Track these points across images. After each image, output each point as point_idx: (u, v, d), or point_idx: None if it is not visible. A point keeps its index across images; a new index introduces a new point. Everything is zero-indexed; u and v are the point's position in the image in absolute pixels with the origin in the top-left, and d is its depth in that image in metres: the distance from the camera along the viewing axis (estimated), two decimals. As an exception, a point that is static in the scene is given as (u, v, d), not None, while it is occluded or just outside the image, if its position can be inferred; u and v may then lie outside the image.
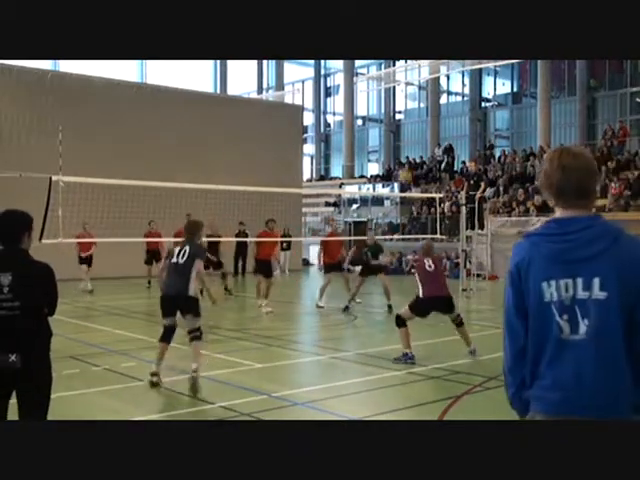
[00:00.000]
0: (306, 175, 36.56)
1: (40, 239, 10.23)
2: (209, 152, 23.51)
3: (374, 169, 38.05)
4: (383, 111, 38.63)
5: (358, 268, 14.46)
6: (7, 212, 4.08)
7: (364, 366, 8.69)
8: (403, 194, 28.62)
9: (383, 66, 35.52)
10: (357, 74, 37.69)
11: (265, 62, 41.31)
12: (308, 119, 38.86)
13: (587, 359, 2.34)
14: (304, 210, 28.30)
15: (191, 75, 36.85)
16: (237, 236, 19.07)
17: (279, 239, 17.06)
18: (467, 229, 17.95)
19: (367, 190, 33.27)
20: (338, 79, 39.77)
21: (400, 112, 38.67)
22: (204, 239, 15.00)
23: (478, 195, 17.79)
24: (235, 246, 20.59)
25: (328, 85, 41.48)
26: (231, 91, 39.40)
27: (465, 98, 35.32)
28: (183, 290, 7.26)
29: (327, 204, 32.87)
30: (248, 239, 17.94)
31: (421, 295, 8.79)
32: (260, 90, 41.28)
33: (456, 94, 36.65)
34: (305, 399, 6.92)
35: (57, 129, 12.29)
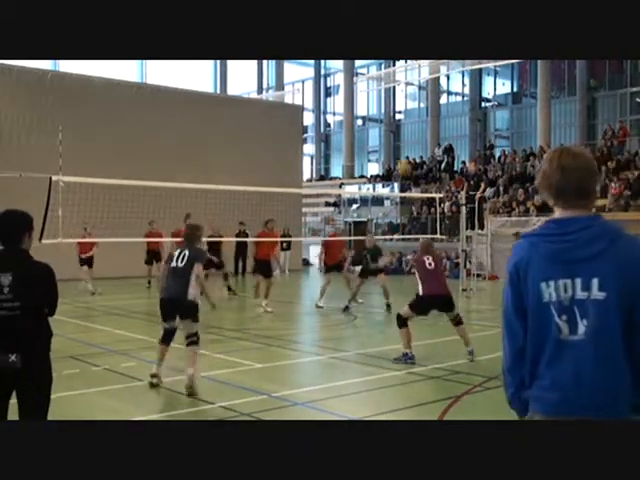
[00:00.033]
0: (306, 175, 36.56)
1: (40, 239, 10.23)
2: (209, 152, 23.51)
3: (374, 169, 38.06)
4: (383, 111, 38.64)
5: (358, 268, 14.47)
6: (7, 212, 4.08)
7: (364, 366, 8.69)
8: (403, 194, 28.63)
9: (383, 66, 35.52)
10: (357, 74, 37.69)
11: (265, 62, 41.31)
12: (308, 119, 38.87)
13: (586, 359, 2.34)
14: (304, 210, 28.30)
15: (191, 75, 36.88)
16: (237, 236, 19.06)
17: (279, 239, 17.06)
18: (467, 229, 17.96)
19: (367, 190, 33.27)
20: (338, 79, 39.77)
21: (400, 112, 38.68)
22: (206, 239, 15.05)
23: (478, 195, 17.79)
24: (235, 246, 20.59)
25: (328, 85, 41.48)
26: (231, 91, 39.41)
27: (465, 98, 35.32)
28: (182, 294, 7.19)
29: (327, 204, 32.88)
30: (248, 239, 17.94)
31: (421, 293, 8.78)
32: (260, 90, 41.28)
33: (456, 94, 36.66)
34: (305, 399, 6.92)
35: (57, 129, 12.29)
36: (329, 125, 41.99)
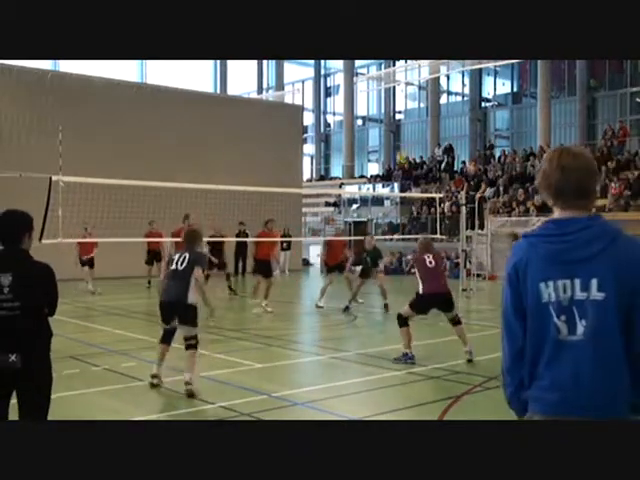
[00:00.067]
0: (306, 175, 36.56)
1: (40, 239, 10.23)
2: (209, 152, 23.51)
3: (374, 169, 38.06)
4: (383, 111, 38.64)
5: (359, 268, 14.48)
6: (7, 212, 4.08)
7: (364, 366, 8.70)
8: (403, 194, 28.64)
9: (383, 66, 35.53)
10: (357, 74, 37.70)
11: (265, 62, 41.31)
12: (308, 119, 38.87)
13: (585, 360, 2.34)
14: (304, 210, 28.30)
15: (191, 75, 36.88)
16: (237, 236, 19.07)
17: (278, 239, 17.06)
18: (467, 229, 17.97)
19: (367, 190, 33.27)
20: (338, 79, 39.77)
21: (400, 112, 38.69)
22: (208, 239, 15.06)
23: (478, 195, 17.80)
24: (235, 246, 20.60)
25: (328, 85, 41.49)
26: (231, 91, 39.41)
27: (465, 98, 35.33)
28: (182, 297, 7.15)
29: (327, 204, 32.88)
30: (248, 239, 17.95)
31: (421, 291, 8.77)
32: (260, 90, 41.29)
33: (456, 94, 36.66)
34: (305, 399, 6.92)
35: (57, 129, 12.29)
36: (329, 125, 41.99)
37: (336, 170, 39.77)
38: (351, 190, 34.13)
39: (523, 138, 31.77)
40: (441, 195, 23.12)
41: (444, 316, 9.10)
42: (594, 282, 2.33)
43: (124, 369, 8.25)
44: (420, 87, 36.91)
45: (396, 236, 25.67)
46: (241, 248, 20.66)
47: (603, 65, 29.01)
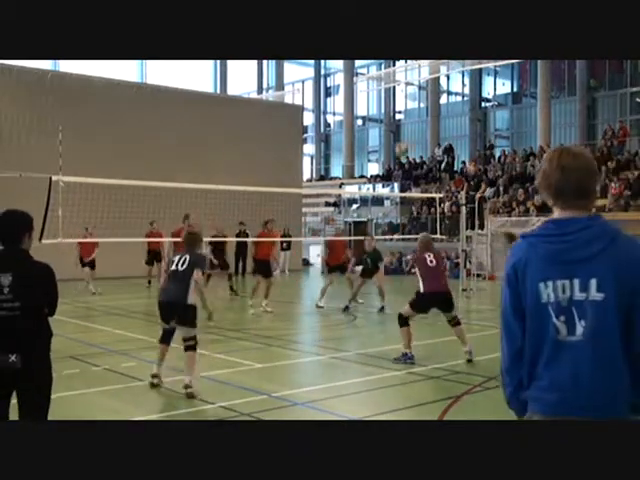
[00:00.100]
0: (306, 175, 36.56)
1: (40, 239, 10.23)
2: (209, 152, 23.51)
3: (374, 169, 38.06)
4: (383, 111, 38.65)
5: (359, 268, 14.48)
6: (7, 212, 4.08)
7: (364, 366, 8.69)
8: (403, 194, 28.64)
9: (383, 66, 35.53)
10: (357, 74, 37.70)
11: (265, 62, 41.31)
12: (308, 119, 38.87)
13: (584, 360, 2.34)
14: (304, 210, 28.30)
15: (191, 75, 36.88)
16: (237, 236, 19.07)
17: (278, 239, 17.06)
18: (467, 229, 17.97)
19: (367, 190, 33.28)
20: (338, 79, 39.78)
21: (400, 112, 38.68)
22: (210, 239, 15.07)
23: (478, 195, 17.80)
24: (235, 246, 20.60)
25: (328, 85, 41.49)
26: (231, 91, 39.41)
27: (465, 98, 35.33)
28: (182, 298, 7.13)
29: (327, 204, 32.88)
30: (248, 239, 17.95)
31: (422, 290, 8.76)
32: (260, 90, 41.29)
33: (456, 94, 36.67)
34: (305, 399, 6.92)
35: (57, 129, 12.29)
36: (329, 125, 41.99)
37: (336, 170, 39.77)
38: (351, 190, 34.13)
39: (523, 138, 31.77)
40: (441, 195, 23.12)
41: (443, 316, 9.10)
42: (593, 282, 2.33)
43: (124, 369, 8.25)
44: (420, 87, 36.91)
45: (396, 236, 25.67)
46: (241, 248, 20.66)
47: (603, 65, 29.01)
